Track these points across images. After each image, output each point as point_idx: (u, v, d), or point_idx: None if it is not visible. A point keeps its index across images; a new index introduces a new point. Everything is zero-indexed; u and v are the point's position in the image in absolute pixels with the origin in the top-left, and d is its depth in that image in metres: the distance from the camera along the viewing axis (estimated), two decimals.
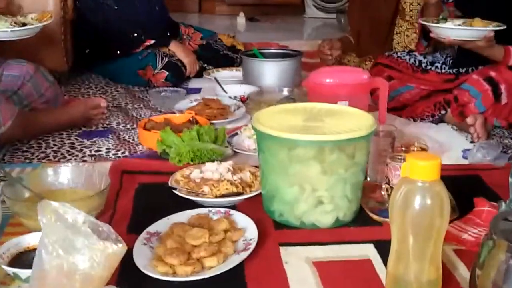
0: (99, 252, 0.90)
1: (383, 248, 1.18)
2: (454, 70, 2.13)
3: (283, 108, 1.48)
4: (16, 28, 1.83)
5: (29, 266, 0.99)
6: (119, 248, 0.92)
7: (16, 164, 1.71)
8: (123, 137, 1.95)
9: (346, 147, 1.30)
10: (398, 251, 1.02)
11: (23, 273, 1.08)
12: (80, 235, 0.90)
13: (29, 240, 1.18)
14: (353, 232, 1.33)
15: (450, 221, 1.29)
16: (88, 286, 0.91)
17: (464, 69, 2.10)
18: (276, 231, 1.32)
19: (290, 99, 2.10)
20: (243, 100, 2.30)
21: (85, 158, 1.78)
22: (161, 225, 1.28)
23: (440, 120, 2.08)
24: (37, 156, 1.78)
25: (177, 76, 2.60)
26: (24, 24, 1.87)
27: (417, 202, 0.97)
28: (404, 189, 0.98)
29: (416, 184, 0.97)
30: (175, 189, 1.45)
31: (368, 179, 1.56)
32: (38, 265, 0.91)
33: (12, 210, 1.32)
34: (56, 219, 0.91)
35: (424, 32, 2.16)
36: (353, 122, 1.35)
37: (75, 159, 1.77)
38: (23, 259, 1.14)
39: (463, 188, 1.46)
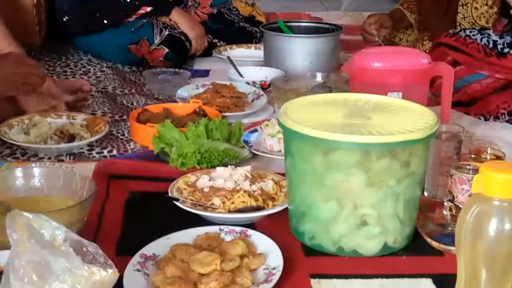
0: (83, 279, 0.91)
1: (445, 284, 1.18)
2: None
3: (318, 99, 1.49)
4: (62, 146, 1.81)
5: None
6: (109, 275, 0.93)
7: None
8: (110, 131, 1.97)
9: (399, 153, 1.30)
10: None
11: None
12: (59, 257, 0.91)
13: None
14: (405, 262, 1.33)
15: None
16: None
17: None
18: (307, 258, 1.33)
19: (325, 87, 2.11)
20: (265, 87, 2.31)
21: (62, 158, 1.80)
22: (159, 247, 1.29)
23: None
24: (0, 153, 1.80)
25: (180, 54, 2.62)
26: (71, 137, 1.85)
27: (493, 227, 0.97)
28: (475, 210, 0.98)
29: (492, 203, 0.97)
30: (177, 200, 1.46)
31: (426, 194, 1.55)
32: None
33: None
34: (30, 236, 0.92)
35: (504, 6, 2.15)
36: (408, 120, 1.35)
37: (50, 158, 1.79)
38: None
39: None
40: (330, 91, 2.03)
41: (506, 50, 2.18)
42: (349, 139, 1.27)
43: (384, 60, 1.76)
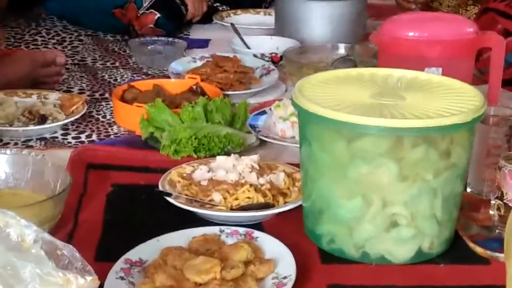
0: None
1: None
2: None
3: (340, 75, 1.49)
4: (31, 128, 1.83)
5: None
6: (88, 282, 0.93)
7: None
8: (89, 112, 1.97)
9: (438, 140, 1.30)
10: None
11: None
12: (29, 261, 0.91)
13: None
14: (443, 271, 1.33)
15: None
16: None
17: None
18: (324, 266, 1.33)
19: (349, 61, 2.11)
20: (276, 60, 2.31)
21: (31, 143, 1.80)
22: (147, 250, 1.29)
23: None
24: None
25: (174, 20, 2.63)
26: (43, 118, 1.86)
27: None
28: None
29: None
30: (169, 195, 1.46)
31: (469, 190, 1.55)
32: None
33: None
34: None
35: None
36: (449, 101, 1.35)
37: (16, 144, 1.79)
38: None
39: None
40: (355, 66, 2.03)
41: None
42: (378, 122, 1.27)
43: (420, 29, 1.76)
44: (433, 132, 1.28)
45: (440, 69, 1.65)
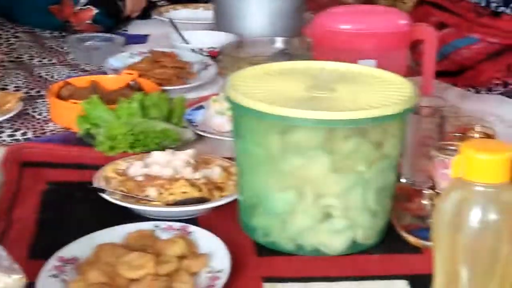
0: None
1: (423, 286, 1.19)
2: None
3: (274, 68, 1.49)
4: None
5: None
6: (14, 281, 0.92)
7: None
8: (25, 110, 1.96)
9: (370, 131, 1.31)
10: None
11: None
12: None
13: None
14: (376, 261, 1.34)
15: None
16: None
17: None
18: (259, 259, 1.33)
19: (286, 55, 2.12)
20: (214, 55, 2.31)
21: None
22: (80, 247, 1.28)
23: None
24: None
25: (112, 15, 2.61)
26: None
27: (476, 217, 0.98)
28: (455, 197, 0.99)
29: (474, 189, 0.98)
30: (103, 191, 1.45)
31: (404, 181, 1.57)
32: None
33: None
34: None
35: None
36: (382, 92, 1.36)
37: None
38: None
39: None
40: (292, 59, 2.03)
41: (501, 9, 2.21)
42: (310, 115, 1.27)
43: (354, 21, 1.77)
44: (365, 123, 1.29)
45: (374, 61, 1.66)
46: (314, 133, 1.30)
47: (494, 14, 2.20)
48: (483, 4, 2.23)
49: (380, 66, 1.56)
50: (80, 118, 1.74)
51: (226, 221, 1.43)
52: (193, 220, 1.42)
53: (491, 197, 0.98)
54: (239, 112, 1.36)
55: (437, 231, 1.02)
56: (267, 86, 1.38)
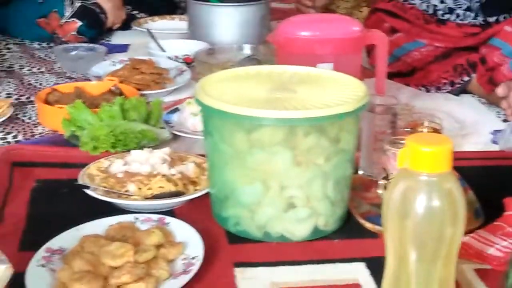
0: None
1: (379, 268, 1.19)
2: (481, 20, 2.15)
3: (239, 73, 1.48)
4: None
5: None
6: (2, 271, 0.91)
7: None
8: (15, 115, 1.94)
9: (328, 128, 1.31)
10: (396, 272, 1.03)
11: None
12: None
13: None
14: (337, 246, 1.34)
15: (471, 231, 1.32)
16: None
17: (494, 18, 2.13)
18: (231, 246, 1.33)
19: (253, 60, 2.12)
20: (189, 61, 2.31)
21: None
22: (67, 239, 1.28)
23: (463, 89, 2.11)
24: None
25: (94, 27, 2.60)
26: None
27: (421, 204, 0.98)
28: (402, 186, 1.00)
29: (419, 179, 0.98)
30: (87, 187, 1.45)
31: (361, 172, 1.57)
32: None
33: None
34: None
35: None
36: (337, 93, 1.36)
37: None
38: None
39: (491, 184, 1.49)
40: (259, 64, 2.03)
41: (446, 16, 2.22)
42: (273, 115, 1.27)
43: (312, 29, 1.76)
44: (323, 121, 1.29)
45: (331, 65, 1.66)
46: (276, 131, 1.30)
47: (440, 22, 2.21)
48: (430, 12, 2.24)
49: (337, 68, 1.56)
50: (65, 121, 1.73)
51: (200, 212, 1.42)
52: (170, 212, 1.41)
53: (434, 185, 0.98)
54: (208, 113, 1.35)
55: (386, 218, 1.02)
56: (234, 89, 1.37)
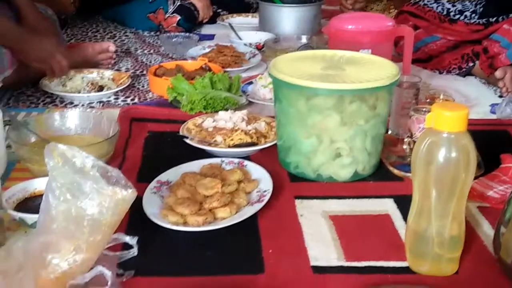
0: (108, 198, 0.91)
1: (403, 203, 1.18)
2: (484, 20, 2.09)
3: (301, 55, 1.47)
4: (92, 94, 1.79)
5: (35, 211, 1.00)
6: (129, 194, 0.92)
7: (22, 109, 1.72)
8: (132, 84, 1.95)
9: (367, 97, 1.29)
10: (420, 206, 1.02)
11: (30, 218, 1.10)
12: (88, 179, 0.90)
13: (36, 185, 1.20)
14: (372, 186, 1.33)
15: (475, 178, 1.28)
16: (96, 233, 0.91)
17: (494, 19, 2.06)
18: (292, 184, 1.33)
19: (308, 47, 2.09)
20: (259, 48, 2.29)
21: (93, 105, 1.78)
22: (171, 175, 1.29)
23: (468, 72, 2.06)
24: (42, 101, 1.79)
25: (190, 21, 2.59)
26: (101, 88, 1.83)
27: (442, 155, 0.96)
28: (428, 141, 0.98)
29: (441, 136, 0.96)
30: (186, 138, 1.45)
31: (390, 132, 1.55)
32: (45, 210, 0.92)
33: (18, 154, 1.33)
34: (64, 163, 0.92)
35: None
36: (375, 71, 1.33)
37: (83, 105, 1.77)
38: (30, 204, 1.16)
39: (490, 144, 1.45)
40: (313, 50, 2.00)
41: (456, 17, 2.15)
42: (326, 86, 1.26)
43: (356, 23, 1.73)
44: (364, 92, 1.28)
45: (370, 50, 1.63)
46: (329, 98, 1.28)
47: (451, 21, 2.15)
48: (444, 13, 2.18)
49: (373, 53, 1.53)
50: (169, 89, 1.74)
51: (269, 158, 1.42)
52: (247, 157, 1.42)
53: (452, 141, 0.97)
54: (278, 84, 1.35)
55: (415, 165, 1.00)
56: (297, 67, 1.36)
